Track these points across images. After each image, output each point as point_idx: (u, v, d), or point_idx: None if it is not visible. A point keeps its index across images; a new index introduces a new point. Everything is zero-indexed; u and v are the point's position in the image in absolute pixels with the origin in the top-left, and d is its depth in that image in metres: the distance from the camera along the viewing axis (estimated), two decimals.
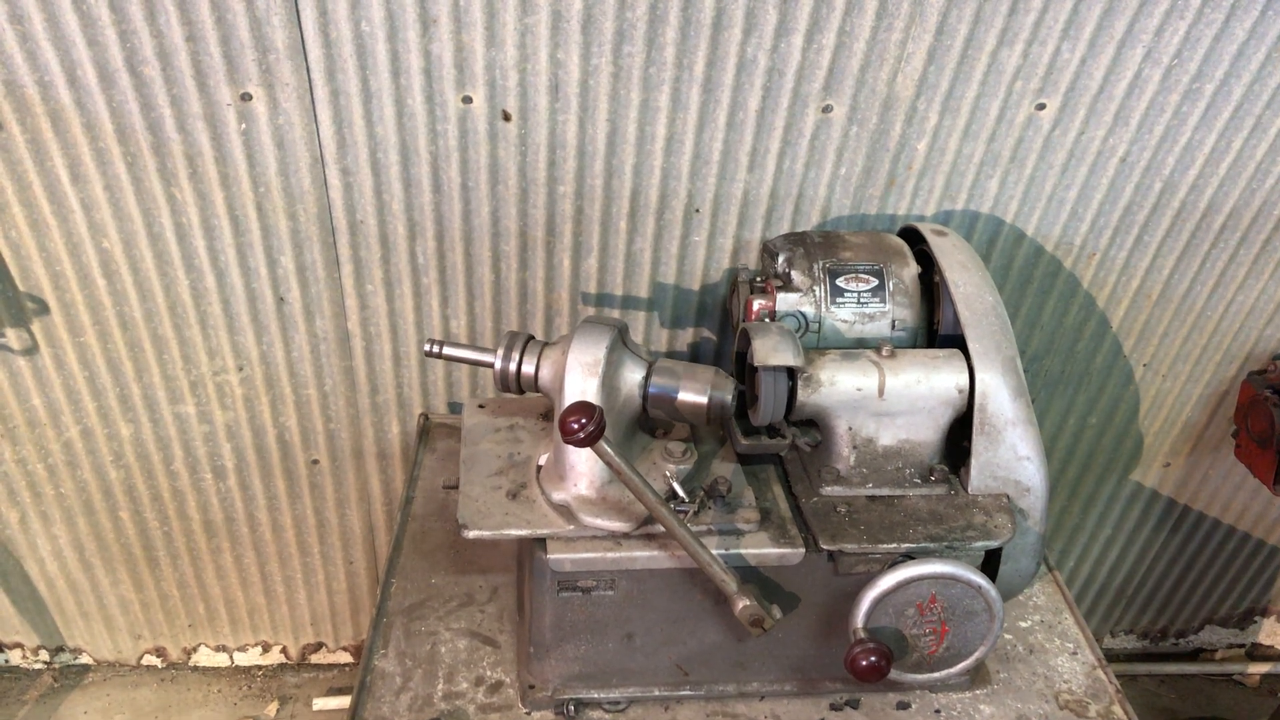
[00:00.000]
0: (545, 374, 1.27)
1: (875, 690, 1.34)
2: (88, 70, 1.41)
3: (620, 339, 1.26)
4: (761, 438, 1.30)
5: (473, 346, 1.33)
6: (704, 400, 1.24)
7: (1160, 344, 1.85)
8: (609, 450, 1.11)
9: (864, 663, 1.15)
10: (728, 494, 1.26)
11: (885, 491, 1.28)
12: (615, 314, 1.73)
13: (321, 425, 1.87)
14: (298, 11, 1.38)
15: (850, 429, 1.27)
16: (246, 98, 1.45)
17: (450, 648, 1.39)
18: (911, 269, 1.39)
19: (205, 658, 2.30)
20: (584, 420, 1.07)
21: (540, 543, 1.22)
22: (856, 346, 1.33)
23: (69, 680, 2.30)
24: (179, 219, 1.58)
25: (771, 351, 1.22)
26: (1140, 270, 1.74)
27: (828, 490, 1.28)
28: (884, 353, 1.27)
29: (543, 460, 1.33)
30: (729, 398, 1.25)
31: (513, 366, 1.28)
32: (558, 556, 1.20)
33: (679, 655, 1.31)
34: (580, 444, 1.08)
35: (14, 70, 1.40)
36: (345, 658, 2.32)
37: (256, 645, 2.29)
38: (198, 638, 2.26)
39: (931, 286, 1.39)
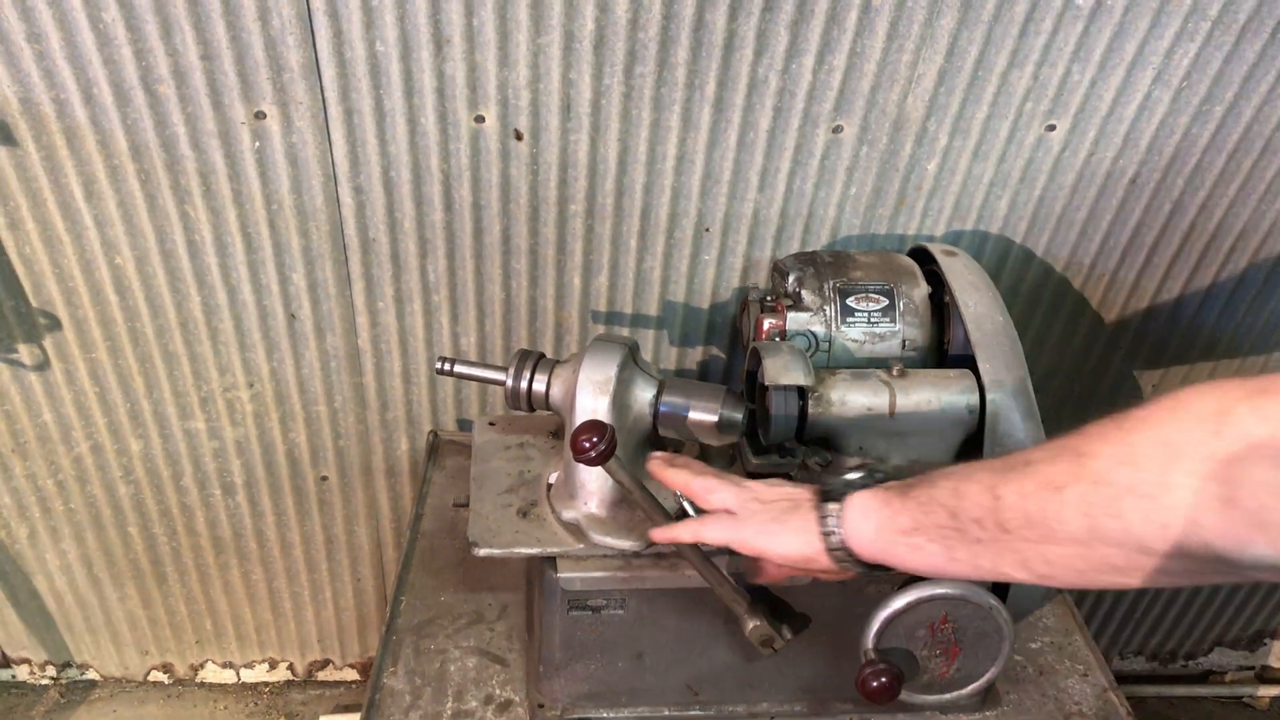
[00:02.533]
0: (556, 392, 1.28)
1: (885, 711, 1.34)
2: (103, 88, 1.42)
3: (631, 357, 1.26)
4: (772, 457, 1.30)
5: (484, 365, 1.33)
6: (714, 419, 1.24)
7: (1170, 365, 1.85)
8: (619, 469, 1.11)
9: (874, 684, 1.15)
10: None
11: None
12: (625, 332, 1.73)
13: (331, 442, 1.87)
14: (312, 32, 1.39)
15: (861, 448, 1.27)
16: (260, 116, 1.46)
17: (459, 666, 1.39)
18: (921, 289, 1.39)
19: (212, 674, 2.30)
20: (595, 439, 1.07)
21: (550, 561, 1.22)
22: (867, 366, 1.33)
23: (76, 696, 2.29)
24: (192, 236, 1.58)
25: (782, 370, 1.22)
26: (1150, 291, 1.74)
27: None
28: (894, 372, 1.27)
29: (553, 478, 1.33)
30: (739, 416, 1.25)
31: (523, 384, 1.28)
32: (568, 575, 1.20)
33: (689, 675, 1.31)
34: (592, 462, 1.08)
35: (30, 88, 1.41)
36: (352, 675, 2.32)
37: (263, 662, 2.28)
38: (205, 654, 2.26)
39: (942, 306, 1.39)
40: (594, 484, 1.23)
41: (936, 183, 1.59)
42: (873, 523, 0.92)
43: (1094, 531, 0.73)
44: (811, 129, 1.52)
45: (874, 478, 0.98)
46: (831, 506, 0.95)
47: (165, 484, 1.92)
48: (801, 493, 1.02)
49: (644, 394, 1.26)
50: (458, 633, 1.44)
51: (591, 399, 1.20)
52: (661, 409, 1.26)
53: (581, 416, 1.20)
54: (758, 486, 1.05)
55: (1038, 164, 1.58)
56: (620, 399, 1.22)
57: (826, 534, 0.94)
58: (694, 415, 1.25)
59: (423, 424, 1.86)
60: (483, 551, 1.22)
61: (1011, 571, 0.81)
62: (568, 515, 1.25)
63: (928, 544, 0.86)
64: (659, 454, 1.17)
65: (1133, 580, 0.75)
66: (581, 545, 1.22)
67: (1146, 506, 0.69)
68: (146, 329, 1.69)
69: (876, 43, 1.43)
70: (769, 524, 0.99)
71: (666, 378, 1.28)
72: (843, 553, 0.95)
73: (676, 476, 1.09)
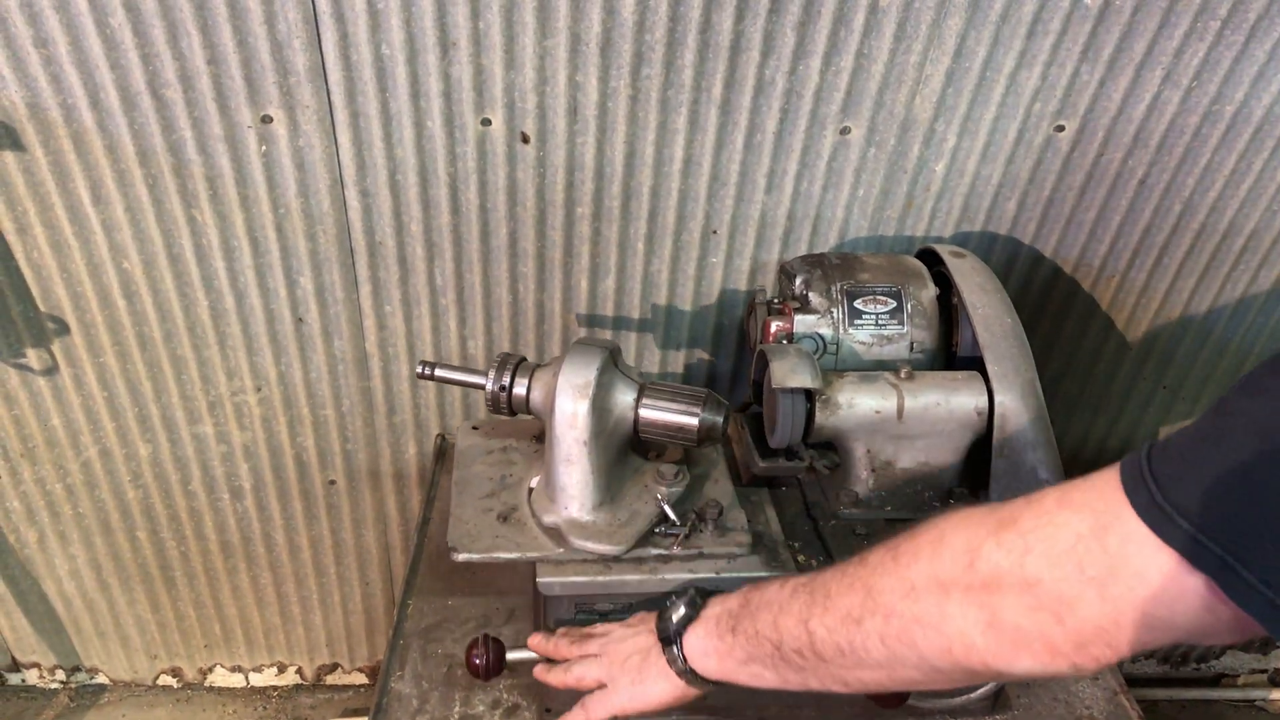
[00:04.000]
0: (536, 396, 1.27)
1: (895, 716, 1.33)
2: (110, 93, 1.42)
3: (612, 360, 1.25)
4: (779, 460, 1.30)
5: (464, 369, 1.33)
6: (694, 422, 1.24)
7: (1180, 366, 1.84)
8: (521, 658, 1.18)
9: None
10: (719, 517, 1.25)
11: (905, 515, 1.27)
12: (632, 336, 1.73)
13: (339, 446, 1.87)
14: (318, 35, 1.39)
15: (869, 451, 1.26)
16: (267, 120, 1.46)
17: (467, 670, 1.38)
18: (929, 291, 1.39)
19: (221, 678, 2.30)
20: (485, 653, 1.16)
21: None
22: (875, 368, 1.33)
23: (85, 700, 2.30)
24: (199, 240, 1.59)
25: (789, 373, 1.21)
26: (1160, 292, 1.73)
27: (846, 513, 1.27)
28: (902, 375, 1.27)
29: (535, 483, 1.32)
30: (720, 420, 1.24)
31: (503, 389, 1.27)
32: (547, 580, 1.20)
33: None
34: (485, 677, 1.16)
35: (38, 93, 1.42)
36: (360, 679, 2.32)
37: (272, 666, 2.28)
38: (213, 658, 2.26)
39: (950, 308, 1.39)
40: (574, 489, 1.23)
41: (944, 184, 1.58)
42: (713, 660, 1.01)
43: (893, 657, 0.83)
44: (819, 130, 1.51)
45: (695, 606, 1.05)
46: (675, 651, 1.04)
47: (173, 488, 1.92)
48: (643, 639, 1.09)
49: (624, 398, 1.25)
50: (465, 636, 1.43)
51: (571, 403, 1.20)
52: (642, 413, 1.25)
53: (562, 420, 1.20)
54: (611, 649, 1.12)
55: (1046, 165, 1.57)
56: (600, 403, 1.21)
57: (681, 673, 1.04)
58: (674, 419, 1.25)
59: (430, 428, 1.86)
60: (461, 556, 1.22)
61: (836, 688, 0.91)
62: (548, 520, 1.24)
63: (764, 671, 0.96)
64: (537, 641, 1.20)
65: (936, 687, 0.86)
66: (561, 550, 1.21)
67: (931, 635, 0.79)
68: (154, 333, 1.69)
69: (884, 44, 1.43)
70: (634, 685, 1.08)
71: (648, 381, 1.28)
72: (700, 682, 1.03)
73: (554, 678, 1.16)
